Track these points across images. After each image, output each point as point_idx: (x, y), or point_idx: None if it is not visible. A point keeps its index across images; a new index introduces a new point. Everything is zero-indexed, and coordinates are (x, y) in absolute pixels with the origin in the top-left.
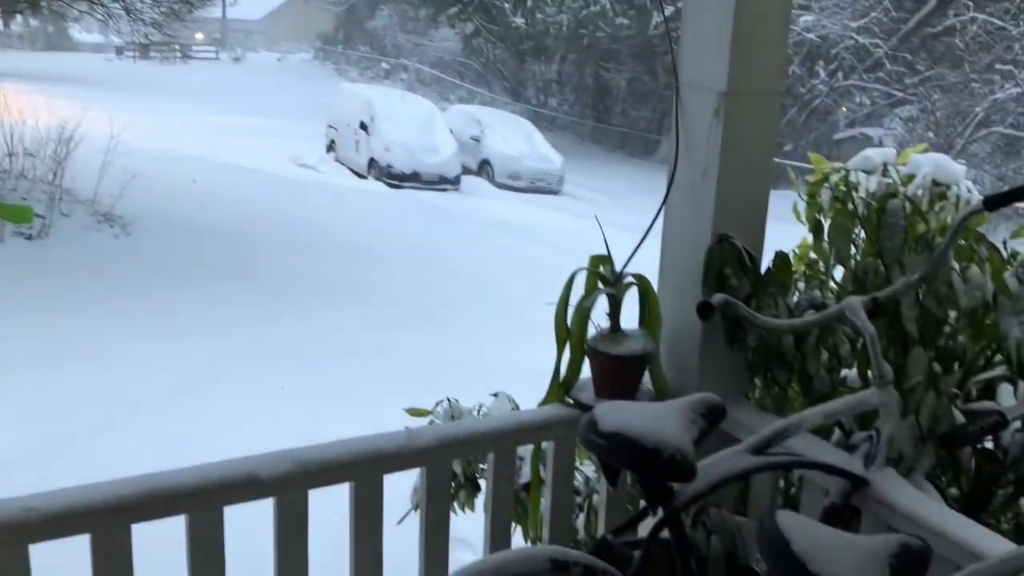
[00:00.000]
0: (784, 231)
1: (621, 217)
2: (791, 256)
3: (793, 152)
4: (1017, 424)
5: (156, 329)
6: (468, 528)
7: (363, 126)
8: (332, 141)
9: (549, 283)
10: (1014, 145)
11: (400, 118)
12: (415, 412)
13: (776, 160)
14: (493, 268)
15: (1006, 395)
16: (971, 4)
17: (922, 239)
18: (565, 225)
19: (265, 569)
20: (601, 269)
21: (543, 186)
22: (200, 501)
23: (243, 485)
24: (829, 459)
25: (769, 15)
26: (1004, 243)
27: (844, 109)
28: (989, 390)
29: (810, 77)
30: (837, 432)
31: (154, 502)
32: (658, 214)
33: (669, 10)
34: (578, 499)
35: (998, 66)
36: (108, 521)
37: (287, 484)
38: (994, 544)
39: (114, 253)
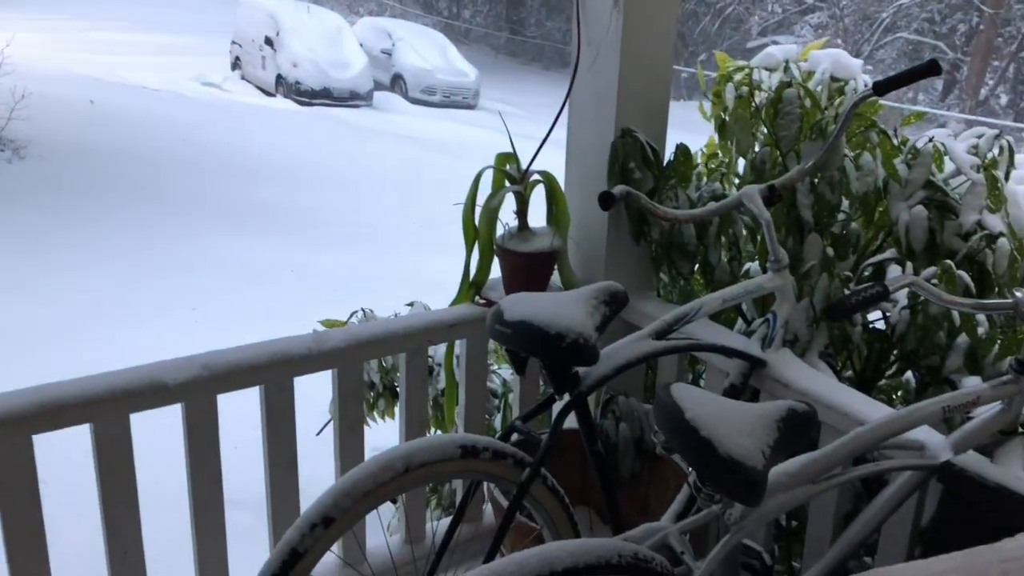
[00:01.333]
0: (696, 142)
1: (538, 130)
2: (698, 155)
3: (707, 62)
4: (904, 302)
5: (57, 255)
6: (388, 439)
7: (268, 41)
8: (237, 58)
9: (478, 198)
10: (918, 50)
11: (307, 32)
12: (329, 324)
13: (691, 70)
14: (409, 184)
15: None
16: None
17: (816, 127)
18: (482, 139)
19: (179, 476)
20: (507, 167)
21: (458, 100)
22: (104, 409)
23: (149, 391)
24: (728, 342)
25: None
26: (895, 130)
27: (756, 17)
28: (880, 273)
29: None
30: (740, 323)
31: (56, 411)
32: (562, 108)
33: None
34: (496, 401)
35: None
36: (8, 432)
37: (194, 389)
38: (878, 411)
39: (8, 177)
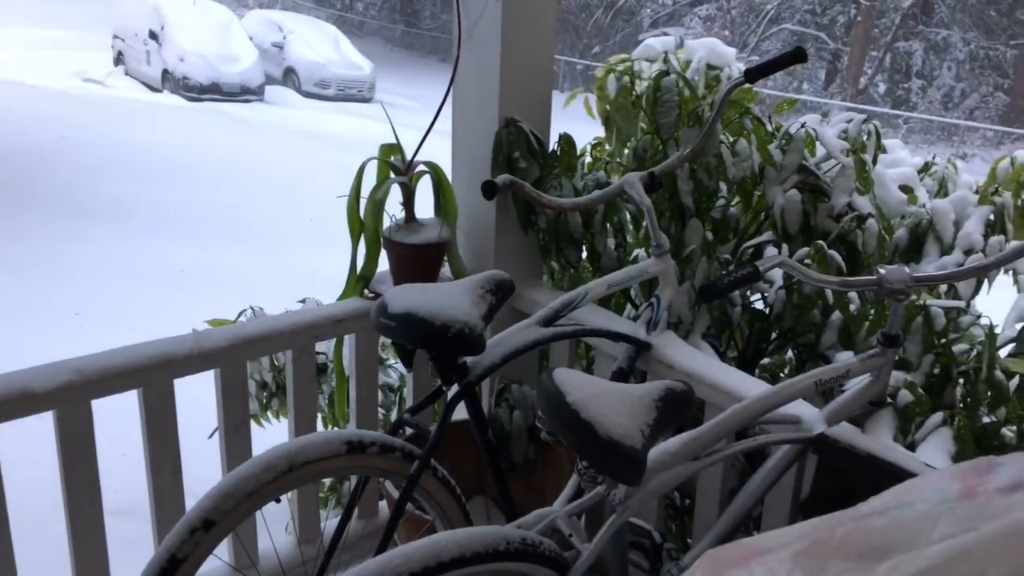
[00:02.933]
0: (594, 131)
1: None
2: (588, 148)
3: (601, 54)
4: (780, 283)
5: None
6: (285, 439)
7: (153, 35)
8: (120, 53)
9: (369, 182)
10: (802, 40)
11: (194, 25)
12: (217, 323)
13: (586, 62)
14: (303, 178)
15: None
16: None
17: (694, 115)
18: (377, 132)
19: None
20: (392, 159)
21: (353, 94)
22: None
23: (16, 400)
24: (614, 327)
25: None
26: (769, 117)
27: (648, 10)
28: (759, 255)
29: None
30: (630, 308)
31: None
32: (444, 100)
33: None
34: (392, 395)
35: None
36: None
37: (66, 395)
38: (757, 388)
39: None
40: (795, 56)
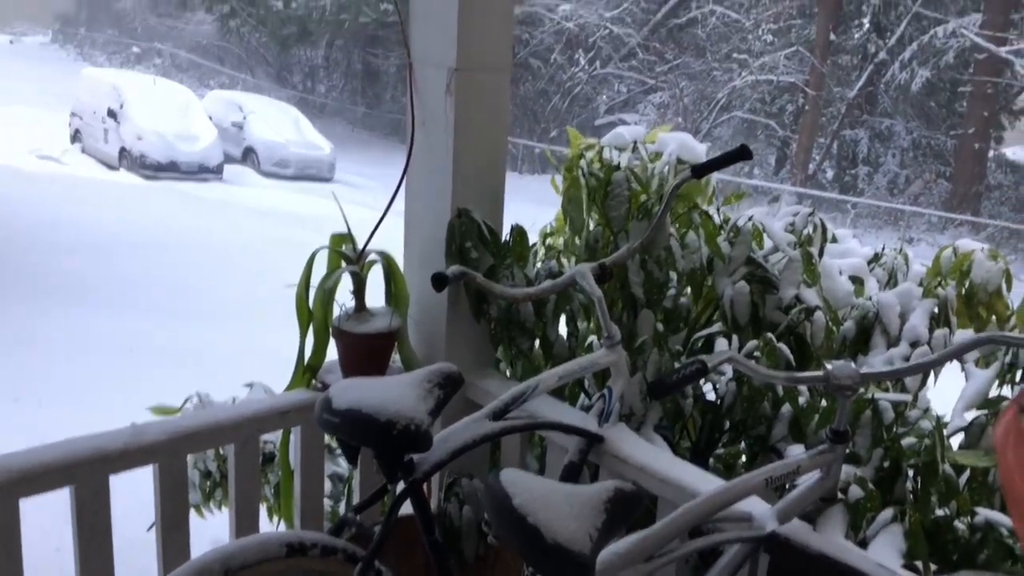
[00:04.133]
0: (550, 214)
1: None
2: (548, 227)
3: (558, 138)
4: (730, 374)
5: None
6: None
7: (111, 114)
8: (77, 131)
9: (319, 270)
10: (752, 128)
11: (153, 105)
12: (161, 411)
13: (543, 145)
14: (260, 259)
15: (721, 349)
16: None
17: (643, 208)
18: (337, 211)
19: None
20: (343, 248)
21: (313, 174)
22: None
23: None
24: (566, 419)
25: None
26: (718, 209)
27: (604, 96)
28: (710, 346)
29: (571, 65)
30: (583, 398)
31: None
32: (397, 190)
33: None
34: (341, 486)
35: (735, 55)
36: None
37: None
38: (710, 484)
39: None
40: (740, 154)
